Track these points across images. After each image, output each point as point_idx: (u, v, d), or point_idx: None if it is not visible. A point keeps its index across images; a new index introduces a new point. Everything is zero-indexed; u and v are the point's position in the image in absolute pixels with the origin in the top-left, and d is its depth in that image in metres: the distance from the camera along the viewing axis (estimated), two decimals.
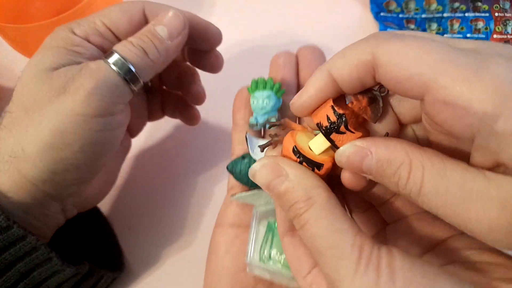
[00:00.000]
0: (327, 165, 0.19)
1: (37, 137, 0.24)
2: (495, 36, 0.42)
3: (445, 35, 0.43)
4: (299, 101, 0.20)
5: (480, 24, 0.43)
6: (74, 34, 0.27)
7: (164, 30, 0.27)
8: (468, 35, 0.43)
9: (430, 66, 0.16)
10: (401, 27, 0.44)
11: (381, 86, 0.19)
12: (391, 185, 0.18)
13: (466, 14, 0.43)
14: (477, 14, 0.43)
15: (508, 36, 0.42)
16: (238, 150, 0.31)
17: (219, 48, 0.32)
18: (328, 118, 0.19)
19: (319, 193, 0.18)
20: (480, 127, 0.15)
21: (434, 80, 0.16)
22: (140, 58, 0.26)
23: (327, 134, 0.19)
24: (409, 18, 0.44)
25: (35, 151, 0.24)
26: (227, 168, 0.29)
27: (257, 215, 0.27)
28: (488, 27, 0.42)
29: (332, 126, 0.19)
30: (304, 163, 0.19)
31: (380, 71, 0.17)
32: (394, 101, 0.20)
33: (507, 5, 0.43)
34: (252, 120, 0.30)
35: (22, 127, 0.24)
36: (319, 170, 0.19)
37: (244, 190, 0.29)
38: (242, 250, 0.28)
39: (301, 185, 0.18)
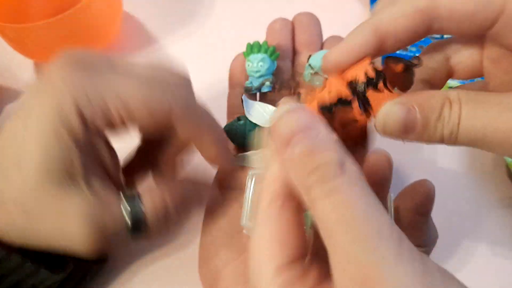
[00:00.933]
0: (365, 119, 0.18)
1: (31, 235, 0.23)
2: None
3: (445, 35, 0.43)
4: (334, 54, 0.18)
5: None
6: (81, 116, 0.22)
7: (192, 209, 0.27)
8: None
9: None
10: None
11: (417, 57, 0.19)
12: (434, 135, 0.17)
13: None
14: None
15: None
16: (234, 114, 0.31)
17: (220, 45, 0.32)
18: (366, 74, 0.17)
19: (352, 163, 0.15)
20: None
21: None
22: (157, 221, 0.24)
23: (364, 90, 0.17)
24: None
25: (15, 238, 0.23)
26: (224, 129, 0.29)
27: (251, 177, 0.27)
28: None
29: (370, 81, 0.17)
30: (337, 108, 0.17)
31: (445, 13, 0.17)
32: (450, 51, 0.20)
33: None
34: (247, 83, 0.31)
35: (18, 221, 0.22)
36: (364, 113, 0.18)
37: (240, 152, 0.29)
38: (238, 212, 0.27)
39: (336, 146, 0.15)
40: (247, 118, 0.29)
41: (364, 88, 0.17)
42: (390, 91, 0.17)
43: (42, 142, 0.21)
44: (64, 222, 0.22)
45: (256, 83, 0.30)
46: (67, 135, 0.21)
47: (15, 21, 0.40)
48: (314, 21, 0.34)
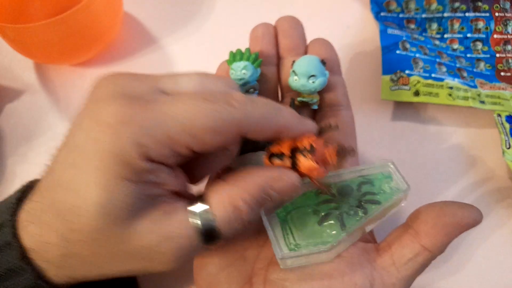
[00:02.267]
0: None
1: (99, 274, 0.22)
2: (495, 36, 0.42)
3: (445, 35, 0.43)
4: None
5: (481, 24, 0.43)
6: (147, 160, 0.20)
7: (274, 203, 0.24)
8: (469, 35, 0.43)
9: None
10: (401, 27, 0.43)
11: (352, 149, 0.25)
12: None
13: (467, 14, 0.43)
14: (477, 14, 0.43)
15: (508, 36, 0.42)
16: None
17: (220, 45, 0.32)
18: (303, 145, 0.24)
19: None
20: None
21: None
22: (234, 233, 0.22)
23: (293, 153, 0.24)
24: (409, 18, 0.44)
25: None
26: None
27: (263, 213, 0.27)
28: (488, 27, 0.42)
29: (302, 150, 0.24)
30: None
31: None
32: None
33: (508, 5, 0.43)
34: None
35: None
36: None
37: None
38: None
39: None
40: None
41: (295, 152, 0.24)
42: (312, 161, 0.24)
43: (101, 186, 0.20)
44: (136, 253, 0.21)
45: (241, 91, 0.30)
46: (127, 175, 0.20)
47: (15, 21, 0.40)
48: (295, 25, 0.33)
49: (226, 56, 0.34)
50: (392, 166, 0.27)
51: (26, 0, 0.43)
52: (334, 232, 0.25)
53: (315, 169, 0.24)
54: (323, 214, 0.26)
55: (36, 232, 0.22)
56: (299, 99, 0.30)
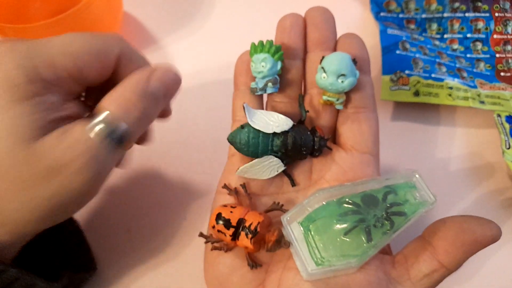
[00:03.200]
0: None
1: (29, 210, 0.22)
2: (495, 36, 0.42)
3: (445, 35, 0.43)
4: None
5: (480, 24, 0.43)
6: (33, 82, 0.22)
7: (160, 89, 0.26)
8: (468, 35, 0.43)
9: None
10: (401, 27, 0.44)
11: (289, 243, 0.25)
12: None
13: (466, 14, 0.43)
14: (477, 14, 0.43)
15: (508, 36, 0.42)
16: (239, 116, 0.30)
17: (220, 45, 0.32)
18: (250, 224, 0.26)
19: None
20: None
21: None
22: (140, 125, 0.25)
23: (239, 225, 0.26)
24: (409, 18, 0.44)
25: (24, 221, 0.22)
26: (228, 139, 0.29)
27: (286, 222, 0.26)
28: (488, 27, 0.42)
29: (246, 228, 0.26)
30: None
31: None
32: None
33: (507, 5, 0.43)
34: (253, 84, 0.30)
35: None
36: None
37: (246, 162, 0.28)
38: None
39: None
40: (250, 125, 0.28)
41: (240, 226, 0.26)
42: (249, 241, 0.25)
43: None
44: (45, 172, 0.22)
45: (260, 84, 0.29)
46: (18, 97, 0.21)
47: (15, 21, 0.40)
48: (327, 18, 0.31)
49: (226, 56, 0.34)
50: (417, 176, 0.26)
51: (26, 0, 0.43)
52: (362, 244, 0.24)
53: (249, 249, 0.26)
54: (349, 225, 0.25)
55: None
56: (324, 97, 0.29)
